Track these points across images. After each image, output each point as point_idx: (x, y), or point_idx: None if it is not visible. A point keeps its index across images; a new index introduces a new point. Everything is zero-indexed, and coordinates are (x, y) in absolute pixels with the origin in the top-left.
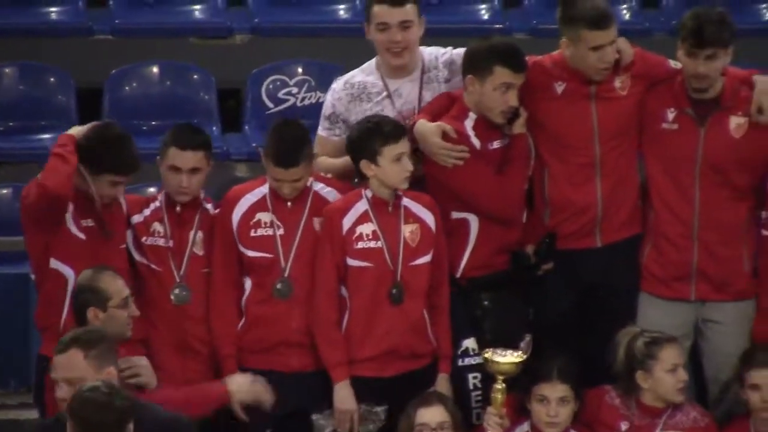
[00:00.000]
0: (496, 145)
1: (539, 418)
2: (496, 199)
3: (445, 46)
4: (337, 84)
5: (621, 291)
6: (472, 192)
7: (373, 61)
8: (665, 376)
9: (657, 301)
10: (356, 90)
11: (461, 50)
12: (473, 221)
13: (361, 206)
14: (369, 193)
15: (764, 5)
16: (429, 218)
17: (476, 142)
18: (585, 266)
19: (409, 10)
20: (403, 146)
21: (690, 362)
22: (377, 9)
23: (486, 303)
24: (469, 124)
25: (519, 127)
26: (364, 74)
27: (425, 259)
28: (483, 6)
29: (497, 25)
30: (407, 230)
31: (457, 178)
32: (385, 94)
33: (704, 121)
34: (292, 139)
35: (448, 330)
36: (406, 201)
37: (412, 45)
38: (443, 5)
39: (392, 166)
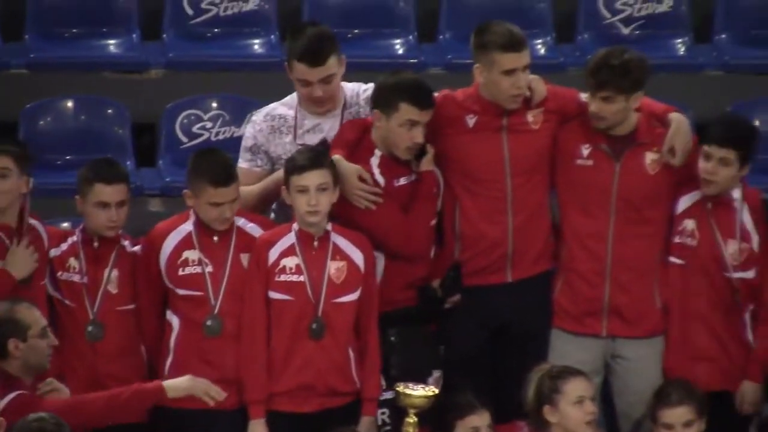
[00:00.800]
0: (402, 181)
1: None
2: (400, 237)
3: (359, 80)
4: (258, 116)
5: (532, 327)
6: (376, 229)
7: (294, 95)
8: (571, 409)
9: (568, 337)
10: (277, 122)
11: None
12: (380, 257)
13: (288, 240)
14: (296, 227)
15: (680, 40)
16: (358, 256)
17: (381, 179)
18: (496, 302)
19: (331, 64)
20: (308, 179)
21: (602, 398)
22: (298, 66)
23: (392, 338)
24: (374, 161)
25: (426, 164)
26: (286, 107)
27: (350, 297)
28: (398, 41)
29: (412, 60)
30: (333, 267)
31: (363, 215)
32: (305, 129)
33: (619, 157)
34: (223, 159)
35: (376, 372)
36: (335, 237)
37: (335, 92)
38: (359, 39)
39: (297, 197)
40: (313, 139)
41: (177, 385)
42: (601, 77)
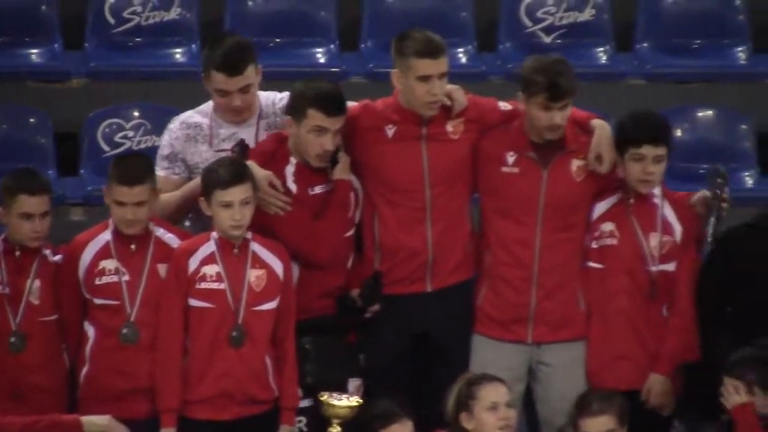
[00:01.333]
0: (317, 190)
1: None
2: (308, 245)
3: (282, 89)
4: (174, 124)
5: (453, 335)
6: (285, 237)
7: (210, 103)
8: (485, 415)
9: (492, 343)
10: (193, 131)
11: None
12: (295, 265)
13: (208, 248)
14: (216, 235)
15: (602, 49)
16: (277, 265)
17: (293, 187)
18: (416, 311)
19: (249, 74)
20: (233, 194)
21: (524, 406)
22: (216, 75)
23: (307, 346)
24: (290, 169)
25: (339, 172)
26: (201, 116)
27: (270, 305)
28: (320, 49)
29: (334, 69)
30: (253, 275)
31: (274, 222)
32: (220, 138)
33: (547, 164)
34: (134, 160)
35: (294, 381)
36: (254, 246)
37: (252, 102)
38: (281, 48)
39: (219, 211)
40: (227, 150)
41: (95, 421)
42: (561, 88)
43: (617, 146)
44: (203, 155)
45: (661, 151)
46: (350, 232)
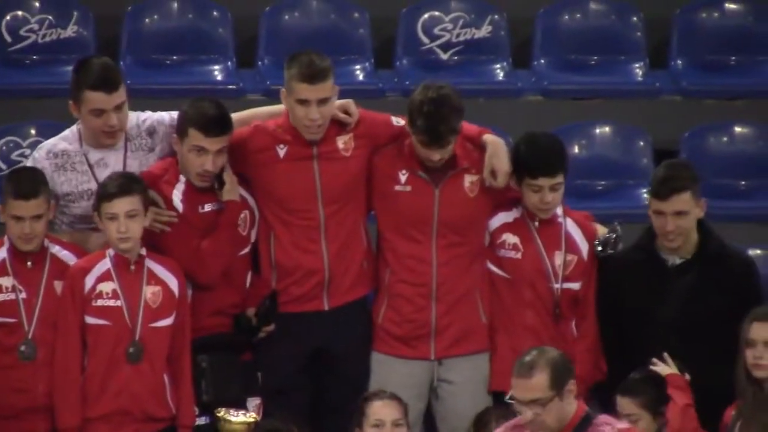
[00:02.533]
0: (207, 208)
1: None
2: (193, 265)
3: (177, 108)
4: (39, 153)
5: (350, 353)
6: (171, 255)
7: (74, 129)
8: None
9: (392, 361)
10: (60, 159)
11: (162, 114)
12: (188, 283)
13: (104, 265)
14: (112, 252)
15: (499, 66)
16: (172, 282)
17: (180, 206)
18: (313, 330)
19: (122, 91)
20: (117, 206)
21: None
22: (91, 95)
23: (203, 364)
24: (179, 187)
25: (227, 194)
26: (67, 143)
27: (166, 321)
28: (217, 67)
29: (231, 86)
30: (149, 291)
31: (161, 241)
32: (89, 164)
33: (438, 183)
34: (28, 173)
35: (190, 398)
36: (149, 262)
37: (125, 121)
38: (178, 65)
39: (107, 224)
40: (100, 173)
41: None
42: (438, 134)
43: (514, 170)
44: (73, 183)
45: (558, 179)
46: (245, 251)
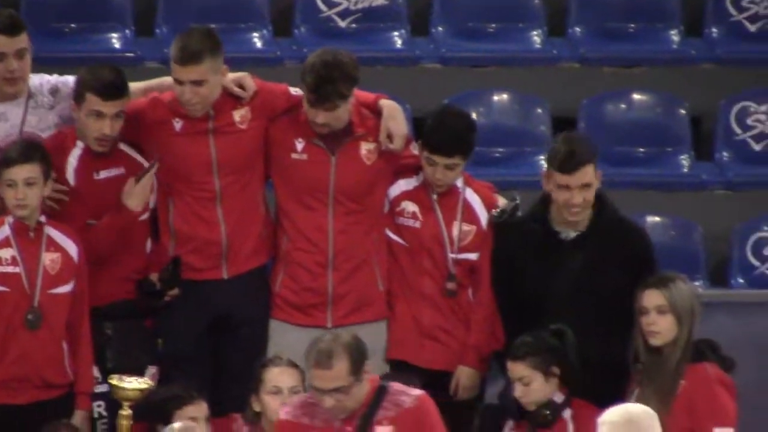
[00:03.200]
0: (103, 175)
1: None
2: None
3: (74, 74)
4: None
5: (250, 321)
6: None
7: None
8: (268, 399)
9: (290, 329)
10: None
11: (67, 78)
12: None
13: (3, 231)
14: (11, 219)
15: (397, 33)
16: (72, 248)
17: (72, 178)
18: (213, 298)
19: (24, 38)
20: (15, 173)
21: None
22: None
23: (108, 331)
24: (75, 152)
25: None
26: None
27: (65, 288)
28: (115, 35)
29: (129, 54)
30: (48, 258)
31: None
32: None
33: (335, 151)
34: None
35: (89, 365)
36: (48, 229)
37: (27, 74)
38: (77, 33)
39: (7, 190)
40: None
41: None
42: (325, 94)
43: (418, 139)
44: None
45: (455, 161)
46: (144, 217)
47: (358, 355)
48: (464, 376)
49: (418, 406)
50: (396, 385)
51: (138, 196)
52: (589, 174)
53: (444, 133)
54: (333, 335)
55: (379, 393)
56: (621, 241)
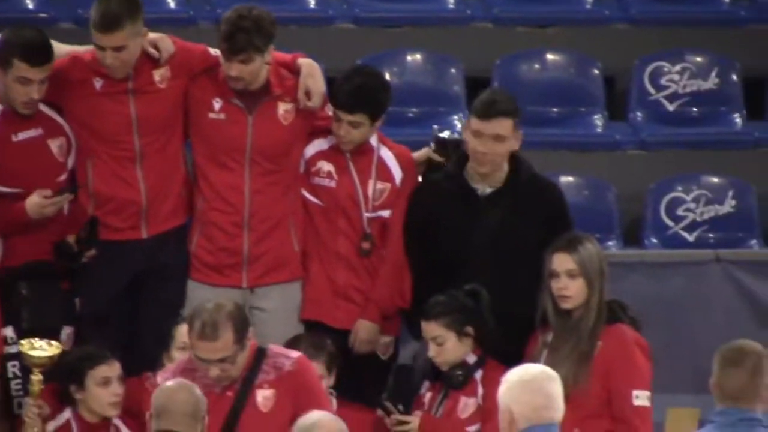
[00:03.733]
0: (21, 137)
1: (102, 401)
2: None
3: None
4: None
5: (169, 281)
6: None
7: None
8: (178, 355)
9: (206, 289)
10: None
11: None
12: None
13: None
14: None
15: None
16: None
17: None
18: (132, 257)
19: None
20: None
21: None
22: None
23: (24, 292)
24: None
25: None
26: None
27: None
28: None
29: (42, 14)
30: None
31: None
32: None
33: (252, 110)
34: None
35: None
36: None
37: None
38: None
39: None
40: None
41: None
42: (238, 43)
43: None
44: None
45: (357, 118)
46: (62, 177)
47: (241, 324)
48: (362, 329)
49: (298, 369)
50: (274, 348)
51: (42, 212)
52: (504, 126)
53: (348, 89)
54: (215, 305)
55: (259, 356)
56: (536, 197)
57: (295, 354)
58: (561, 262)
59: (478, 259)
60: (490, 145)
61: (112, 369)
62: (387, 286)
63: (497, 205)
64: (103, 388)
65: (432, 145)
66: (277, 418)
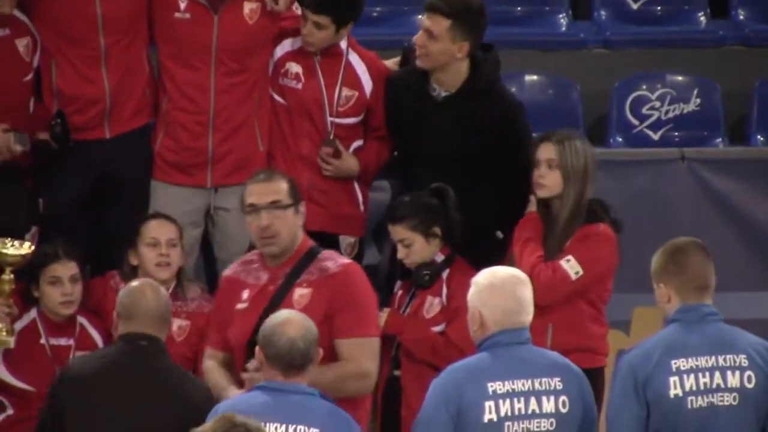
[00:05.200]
0: None
1: (53, 300)
2: None
3: None
4: None
5: (132, 180)
6: None
7: None
8: (146, 251)
9: (169, 188)
10: None
11: None
12: None
13: None
14: None
15: None
16: None
17: None
18: (95, 157)
19: None
20: None
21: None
22: None
23: None
24: None
25: None
26: None
27: None
28: None
29: None
30: None
31: None
32: None
33: (217, 9)
34: None
35: None
36: None
37: None
38: None
39: None
40: None
41: None
42: None
43: None
44: None
45: (321, 20)
46: (28, 77)
47: (295, 190)
48: (346, 161)
49: (340, 272)
50: (327, 252)
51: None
52: (438, 24)
53: None
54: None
55: (308, 256)
56: (490, 108)
57: (346, 260)
58: (544, 151)
59: (429, 160)
60: (424, 39)
61: (64, 268)
62: (371, 148)
63: (449, 109)
64: (54, 287)
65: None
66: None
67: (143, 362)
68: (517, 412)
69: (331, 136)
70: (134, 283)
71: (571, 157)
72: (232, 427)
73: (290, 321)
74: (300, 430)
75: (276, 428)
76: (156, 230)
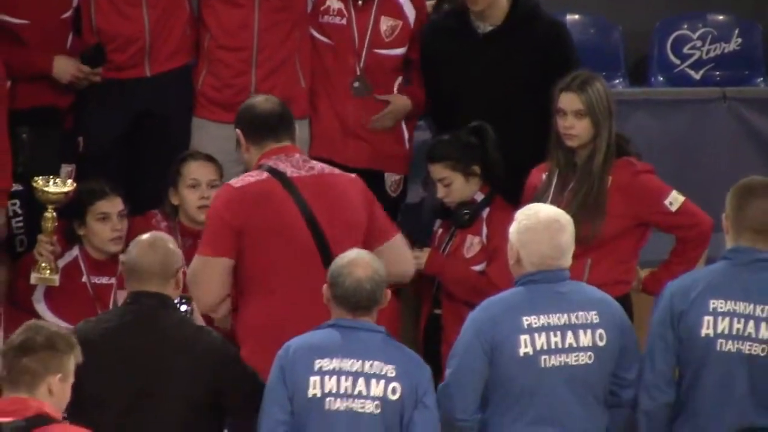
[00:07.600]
0: None
1: (102, 237)
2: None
3: None
4: None
5: (173, 118)
6: None
7: None
8: (186, 192)
9: (211, 125)
10: None
11: None
12: None
13: None
14: None
15: None
16: None
17: None
18: (135, 95)
19: None
20: None
21: None
22: None
23: (24, 136)
24: None
25: None
26: None
27: None
28: None
29: None
30: None
31: None
32: None
33: None
34: None
35: (7, 165)
36: None
37: None
38: None
39: None
40: None
41: None
42: None
43: None
44: None
45: None
46: (67, 14)
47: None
48: (399, 101)
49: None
50: None
51: (69, 79)
52: None
53: None
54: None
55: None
56: (536, 35)
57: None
58: (568, 101)
59: (475, 97)
60: None
61: (111, 204)
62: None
63: (496, 42)
64: (102, 223)
65: None
66: None
67: (151, 323)
68: (553, 346)
69: (359, 73)
70: (142, 237)
71: (597, 103)
72: (35, 333)
73: (357, 262)
74: (376, 365)
75: (352, 363)
76: (197, 171)
